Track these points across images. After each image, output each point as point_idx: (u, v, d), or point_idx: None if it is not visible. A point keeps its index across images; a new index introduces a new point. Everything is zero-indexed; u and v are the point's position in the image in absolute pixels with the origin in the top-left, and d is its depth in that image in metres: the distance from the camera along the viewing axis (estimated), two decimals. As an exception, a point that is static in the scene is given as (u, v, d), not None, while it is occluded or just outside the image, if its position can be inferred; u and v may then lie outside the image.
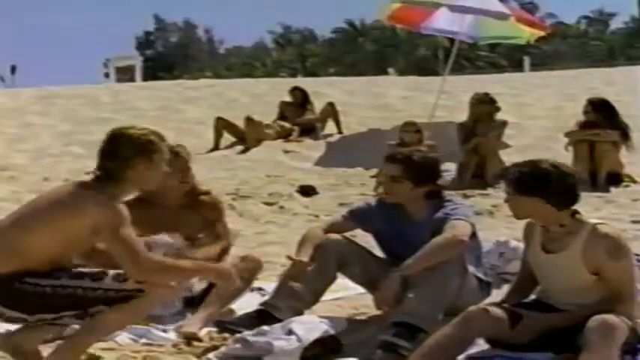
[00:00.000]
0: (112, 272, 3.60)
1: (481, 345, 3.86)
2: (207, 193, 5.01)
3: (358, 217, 4.68)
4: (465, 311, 3.71)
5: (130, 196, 4.68)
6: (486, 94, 10.50)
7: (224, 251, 4.84)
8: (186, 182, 4.87)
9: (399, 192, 4.52)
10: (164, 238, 4.65)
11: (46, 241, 3.54)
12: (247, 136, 12.72)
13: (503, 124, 10.54)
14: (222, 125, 12.91)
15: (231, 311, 4.59)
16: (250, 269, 4.67)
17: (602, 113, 9.68)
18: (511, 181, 3.76)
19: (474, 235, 4.47)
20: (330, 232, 4.62)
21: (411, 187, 4.48)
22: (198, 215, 4.85)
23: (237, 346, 3.97)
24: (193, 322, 4.34)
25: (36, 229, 3.55)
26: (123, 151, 3.64)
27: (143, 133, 3.72)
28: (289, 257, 4.54)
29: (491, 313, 3.72)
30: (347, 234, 4.70)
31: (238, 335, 4.07)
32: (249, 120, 12.83)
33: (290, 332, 3.98)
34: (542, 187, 3.70)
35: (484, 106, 10.26)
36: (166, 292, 3.66)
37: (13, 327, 3.76)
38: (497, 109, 10.42)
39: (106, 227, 3.53)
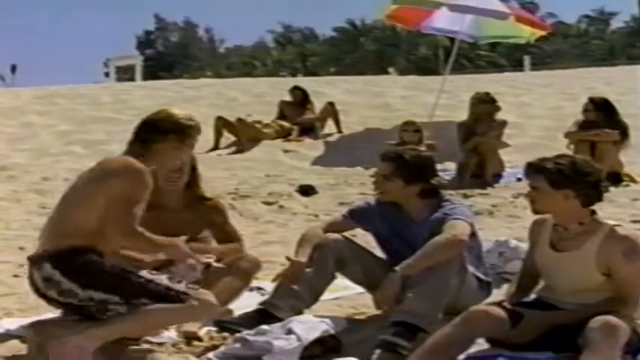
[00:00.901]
0: (164, 275, 3.84)
1: (481, 344, 3.86)
2: (210, 199, 4.97)
3: (358, 217, 4.69)
4: (465, 311, 3.71)
5: None
6: (487, 94, 10.50)
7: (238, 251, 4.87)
8: (173, 182, 4.83)
9: (390, 190, 4.53)
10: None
11: (89, 214, 3.75)
12: (240, 136, 12.73)
13: (503, 123, 10.55)
14: (222, 124, 12.90)
15: (230, 311, 4.59)
16: (248, 269, 4.67)
17: (602, 112, 9.68)
18: (548, 171, 3.74)
19: (473, 234, 4.47)
20: (329, 232, 4.62)
21: (402, 185, 4.49)
22: (199, 217, 4.85)
23: (237, 345, 3.97)
24: (192, 322, 4.33)
25: (78, 204, 3.79)
26: (161, 124, 3.93)
27: (187, 117, 4.01)
28: (288, 258, 4.55)
29: (491, 313, 3.72)
30: (347, 234, 4.71)
31: (238, 335, 4.07)
32: (239, 120, 12.84)
33: (289, 332, 3.98)
34: (579, 180, 3.72)
35: (484, 105, 10.26)
36: (212, 309, 3.87)
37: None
38: (498, 108, 10.42)
39: (120, 187, 3.71)
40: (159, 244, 3.92)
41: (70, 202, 3.83)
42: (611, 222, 3.82)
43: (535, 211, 3.88)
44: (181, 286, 3.76)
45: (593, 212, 3.82)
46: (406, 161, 4.51)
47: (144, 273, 3.78)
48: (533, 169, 3.81)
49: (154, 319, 3.77)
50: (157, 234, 4.69)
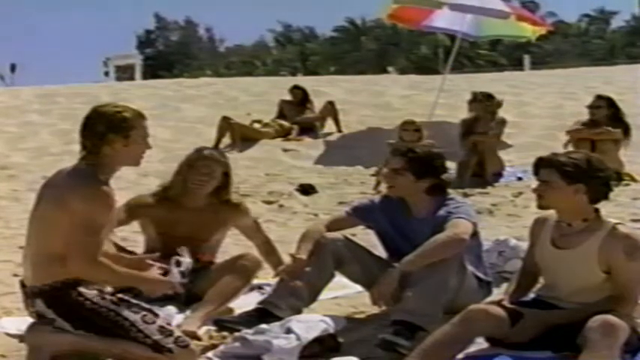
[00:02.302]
0: (160, 320, 3.68)
1: (480, 344, 3.85)
2: (234, 203, 5.01)
3: (361, 213, 4.69)
4: (465, 310, 3.71)
5: (161, 189, 4.91)
6: (482, 93, 10.50)
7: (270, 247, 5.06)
8: (200, 185, 4.86)
9: (400, 184, 4.53)
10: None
11: (62, 243, 3.60)
12: (231, 134, 12.70)
13: (503, 122, 10.54)
14: (226, 126, 12.78)
15: (230, 310, 4.59)
16: (248, 268, 4.68)
17: (613, 108, 9.67)
18: (561, 164, 3.74)
19: (474, 234, 4.47)
20: (332, 228, 4.64)
21: (412, 179, 4.49)
22: (214, 219, 4.88)
23: (237, 344, 3.97)
24: (192, 321, 4.34)
25: (48, 234, 3.64)
26: (96, 127, 3.67)
27: (117, 110, 3.72)
28: (291, 255, 4.55)
29: (491, 312, 3.71)
30: (347, 233, 4.70)
31: (237, 334, 4.07)
32: (225, 119, 12.80)
33: (289, 331, 3.98)
34: (591, 175, 3.74)
35: (481, 104, 10.27)
36: None
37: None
38: (499, 105, 10.40)
39: (85, 218, 3.54)
40: (123, 276, 3.74)
41: (41, 232, 3.69)
42: (614, 220, 3.83)
43: (541, 207, 3.87)
44: (169, 341, 3.63)
45: (597, 210, 3.82)
46: (418, 156, 4.51)
47: (137, 319, 3.63)
48: (545, 163, 3.81)
49: (125, 352, 3.70)
50: (174, 233, 4.73)
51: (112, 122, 3.66)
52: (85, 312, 3.64)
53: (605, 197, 3.82)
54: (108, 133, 3.65)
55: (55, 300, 3.65)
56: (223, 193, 4.92)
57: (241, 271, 4.63)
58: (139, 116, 3.76)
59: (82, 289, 3.64)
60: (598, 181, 3.76)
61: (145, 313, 3.68)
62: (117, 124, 3.66)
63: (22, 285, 3.82)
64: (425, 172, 4.50)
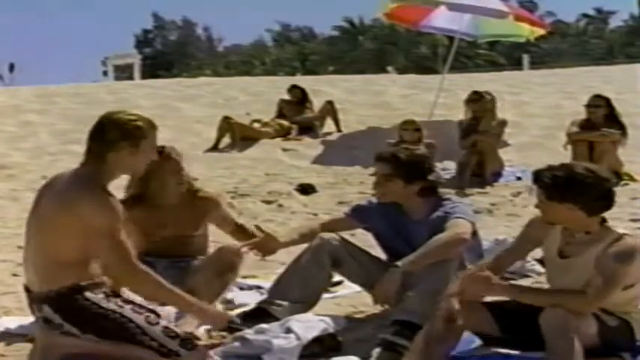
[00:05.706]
0: (163, 322, 3.65)
1: (477, 342, 3.85)
2: (199, 190, 5.01)
3: (360, 215, 4.69)
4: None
5: (128, 195, 4.77)
6: (475, 92, 10.51)
7: (242, 229, 4.96)
8: (182, 184, 4.87)
9: (391, 190, 4.52)
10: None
11: (69, 249, 3.58)
12: (231, 134, 12.69)
13: (503, 123, 10.54)
14: (226, 127, 12.75)
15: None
16: (230, 261, 4.66)
17: (610, 108, 9.66)
18: (544, 185, 3.64)
19: (474, 233, 4.47)
20: (329, 228, 4.64)
21: (402, 184, 4.49)
22: (193, 213, 4.88)
23: (237, 344, 3.98)
24: (190, 321, 4.32)
25: (54, 240, 3.59)
26: (108, 134, 3.64)
27: (131, 118, 3.71)
28: (257, 227, 4.68)
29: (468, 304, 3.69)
30: (345, 233, 4.70)
31: (237, 333, 4.08)
32: (226, 119, 12.79)
33: (289, 330, 3.98)
34: (576, 192, 3.58)
35: (475, 104, 10.29)
36: None
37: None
38: (491, 103, 10.41)
39: (104, 228, 3.53)
40: (169, 294, 3.70)
41: (46, 238, 3.64)
42: (622, 231, 3.68)
43: (547, 223, 3.76)
44: (175, 343, 3.60)
45: (604, 220, 3.69)
46: (403, 161, 4.51)
47: (141, 321, 3.62)
48: (534, 179, 3.71)
49: (136, 358, 3.67)
50: (160, 234, 4.73)
51: (125, 130, 3.65)
52: (92, 316, 3.61)
53: (607, 209, 3.66)
54: (120, 140, 3.63)
55: (61, 305, 3.62)
56: (190, 186, 4.95)
57: (226, 264, 4.60)
58: (152, 126, 3.75)
59: (87, 294, 3.62)
60: (589, 198, 3.59)
61: (148, 314, 3.65)
62: (130, 132, 3.65)
63: (27, 290, 3.77)
64: (413, 176, 4.50)
